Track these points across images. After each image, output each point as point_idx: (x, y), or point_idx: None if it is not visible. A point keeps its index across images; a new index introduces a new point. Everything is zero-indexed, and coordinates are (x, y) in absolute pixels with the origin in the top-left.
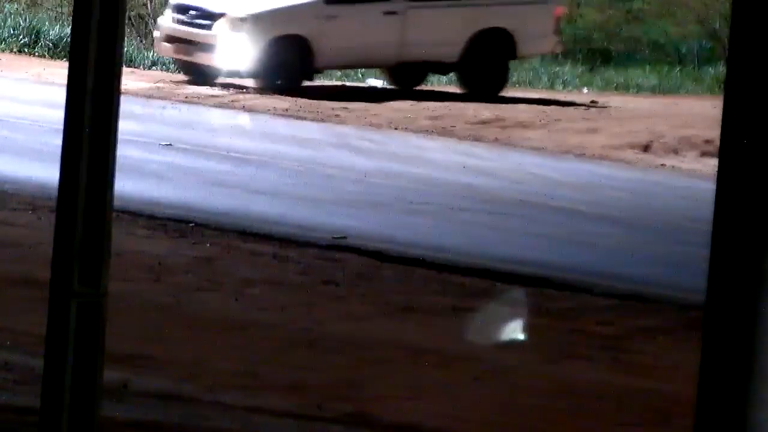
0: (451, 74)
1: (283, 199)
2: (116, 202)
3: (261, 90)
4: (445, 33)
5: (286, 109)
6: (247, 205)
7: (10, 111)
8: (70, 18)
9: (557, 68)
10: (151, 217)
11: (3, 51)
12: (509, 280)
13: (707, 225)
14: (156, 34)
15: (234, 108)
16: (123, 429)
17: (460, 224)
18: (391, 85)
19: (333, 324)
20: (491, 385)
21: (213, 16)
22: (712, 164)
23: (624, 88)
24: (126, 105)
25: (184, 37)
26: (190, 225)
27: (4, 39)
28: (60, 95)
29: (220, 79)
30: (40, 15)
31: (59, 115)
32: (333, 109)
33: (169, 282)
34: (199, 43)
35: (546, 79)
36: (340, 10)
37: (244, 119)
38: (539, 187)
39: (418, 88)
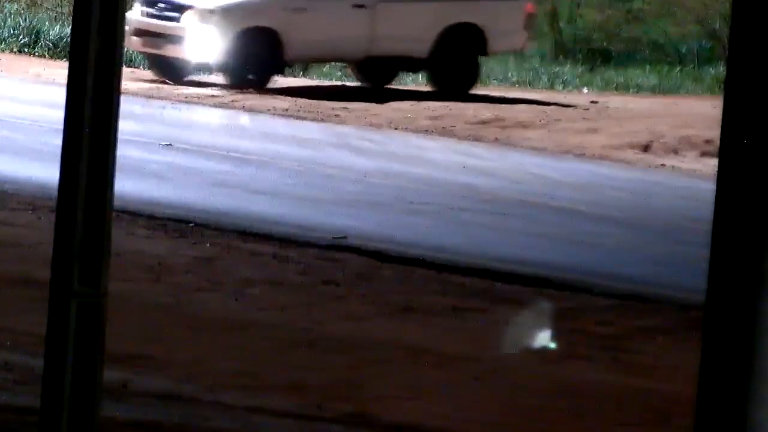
0: (421, 72)
1: (283, 199)
2: (116, 202)
3: (231, 84)
4: (414, 28)
5: (286, 109)
6: (247, 205)
7: (10, 111)
8: (70, 18)
9: (557, 68)
10: (151, 217)
11: (3, 51)
12: (509, 280)
13: (707, 225)
14: (125, 28)
15: (234, 108)
16: (123, 429)
17: (460, 224)
18: (360, 83)
19: (333, 324)
20: (491, 385)
21: (181, 8)
22: (712, 164)
23: (624, 88)
24: (126, 105)
25: (153, 30)
26: (190, 225)
27: (4, 39)
28: (60, 95)
29: (194, 76)
30: (40, 15)
31: (59, 115)
32: (333, 109)
33: (169, 282)
34: (167, 35)
35: (546, 79)
36: (309, 3)
37: (244, 119)
38: (539, 187)
39: (388, 86)
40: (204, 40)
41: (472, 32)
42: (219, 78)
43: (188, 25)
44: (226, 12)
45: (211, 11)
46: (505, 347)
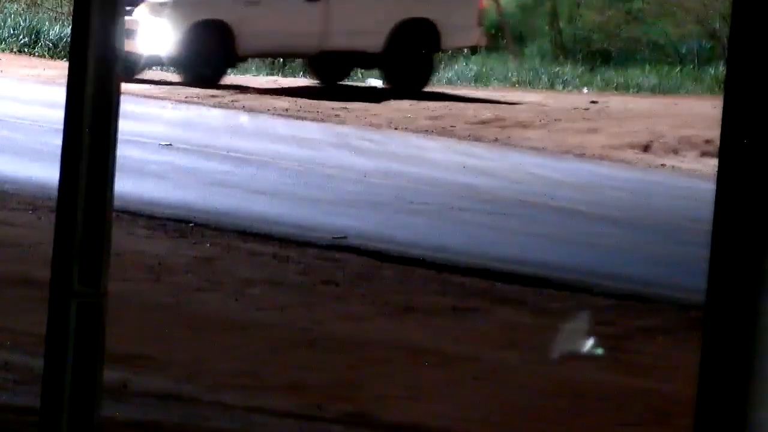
0: (376, 69)
1: (283, 199)
2: (116, 202)
3: (184, 80)
4: (368, 22)
5: (286, 109)
6: (247, 205)
7: (10, 111)
8: (70, 18)
9: (557, 68)
10: (151, 217)
11: (3, 51)
12: (509, 280)
13: (707, 225)
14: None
15: (234, 108)
16: (123, 429)
17: (460, 224)
18: (313, 80)
19: (333, 324)
20: (491, 385)
21: (134, 2)
22: (712, 164)
23: (624, 88)
24: (126, 105)
25: None
26: (190, 225)
27: (4, 39)
28: (60, 95)
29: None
30: (40, 15)
31: (59, 115)
32: (333, 109)
33: (169, 282)
34: None
35: (546, 79)
36: None
37: (244, 119)
38: (539, 187)
39: (341, 83)
40: (156, 34)
41: (425, 28)
42: (174, 76)
43: (140, 19)
44: (178, 5)
45: (163, 4)
46: (553, 353)
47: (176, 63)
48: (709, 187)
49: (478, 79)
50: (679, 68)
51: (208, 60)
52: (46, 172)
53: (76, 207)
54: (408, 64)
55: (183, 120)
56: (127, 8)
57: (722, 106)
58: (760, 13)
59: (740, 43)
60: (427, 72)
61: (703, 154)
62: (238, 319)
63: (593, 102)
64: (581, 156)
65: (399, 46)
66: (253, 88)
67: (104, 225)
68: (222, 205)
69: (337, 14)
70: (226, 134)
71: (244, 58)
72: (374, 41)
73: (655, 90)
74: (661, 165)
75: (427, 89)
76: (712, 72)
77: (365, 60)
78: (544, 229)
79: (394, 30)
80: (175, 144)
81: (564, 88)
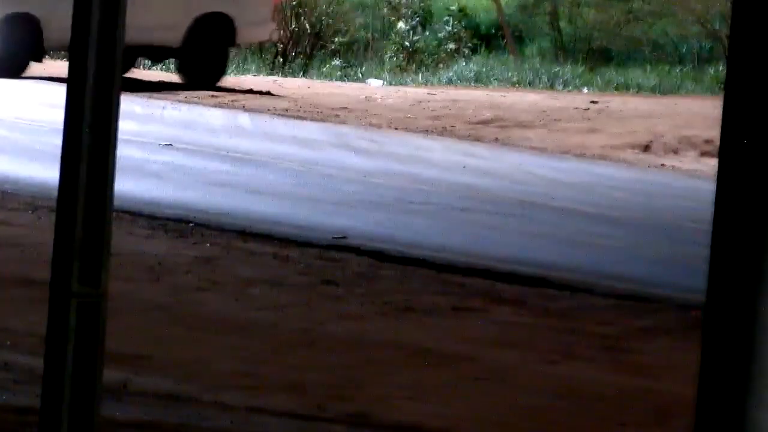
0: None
1: (283, 199)
2: (116, 202)
3: None
4: (168, 17)
5: (286, 109)
6: (247, 205)
7: (10, 111)
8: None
9: (557, 68)
10: (151, 217)
11: None
12: (509, 280)
13: (707, 225)
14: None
15: (234, 108)
16: (123, 429)
17: (460, 224)
18: None
19: (333, 324)
20: (491, 385)
21: None
22: (712, 164)
23: (624, 88)
24: (126, 105)
25: None
26: (190, 225)
27: None
28: (59, 95)
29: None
30: None
31: (59, 114)
32: (333, 109)
33: (169, 282)
34: None
35: (546, 79)
36: None
37: (244, 119)
38: (539, 187)
39: (126, 75)
40: None
41: (222, 22)
42: None
43: None
44: None
45: None
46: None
47: None
48: (709, 187)
49: (478, 79)
50: (679, 68)
51: (16, 53)
52: (46, 172)
53: (76, 207)
54: (204, 58)
55: (183, 120)
56: None
57: (722, 106)
58: (760, 13)
59: (740, 43)
60: (221, 66)
61: (703, 154)
62: (238, 319)
63: (593, 102)
64: (581, 156)
65: (196, 40)
66: (7, 75)
67: (104, 225)
68: (222, 205)
69: (139, 9)
70: (226, 134)
71: (48, 51)
72: (174, 36)
73: (655, 90)
74: (661, 165)
75: (175, 80)
76: (712, 72)
77: (157, 52)
78: (545, 229)
79: (192, 24)
80: (175, 144)
81: (564, 88)
